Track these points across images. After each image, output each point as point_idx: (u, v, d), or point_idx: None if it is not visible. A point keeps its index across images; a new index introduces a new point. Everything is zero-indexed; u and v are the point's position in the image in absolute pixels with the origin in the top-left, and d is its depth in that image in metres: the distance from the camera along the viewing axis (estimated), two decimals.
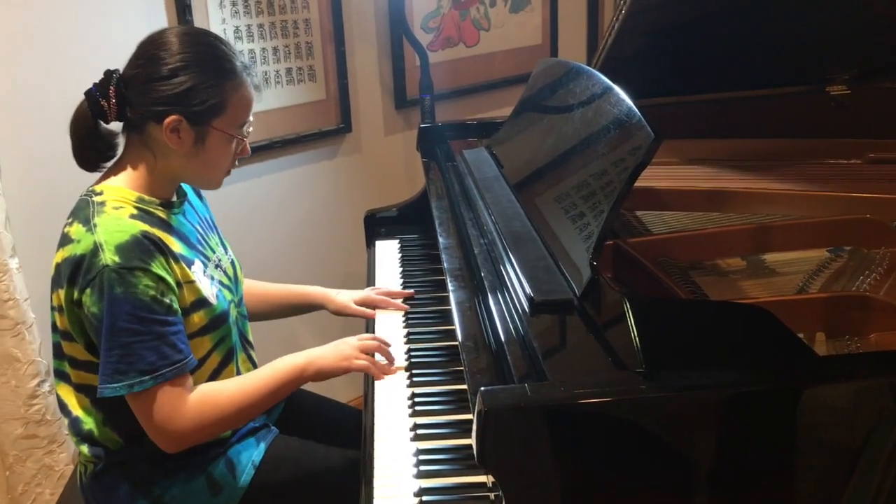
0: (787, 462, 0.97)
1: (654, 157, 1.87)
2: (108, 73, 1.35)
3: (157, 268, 1.29)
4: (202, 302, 1.38)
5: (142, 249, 1.28)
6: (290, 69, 2.43)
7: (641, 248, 1.47)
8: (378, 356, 1.51)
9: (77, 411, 1.40)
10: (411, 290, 1.81)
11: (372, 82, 2.68)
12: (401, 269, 1.99)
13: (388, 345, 1.54)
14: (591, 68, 1.61)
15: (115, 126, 1.40)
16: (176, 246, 1.37)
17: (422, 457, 1.28)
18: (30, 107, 1.94)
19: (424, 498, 1.19)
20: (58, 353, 1.40)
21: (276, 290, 1.81)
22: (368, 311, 1.76)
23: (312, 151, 2.57)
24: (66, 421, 1.43)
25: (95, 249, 1.27)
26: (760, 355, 0.98)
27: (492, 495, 1.17)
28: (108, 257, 1.26)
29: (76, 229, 1.31)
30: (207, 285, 1.41)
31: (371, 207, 2.21)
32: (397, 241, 2.15)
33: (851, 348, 1.23)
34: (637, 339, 0.97)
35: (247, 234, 2.43)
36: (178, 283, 1.33)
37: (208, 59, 1.33)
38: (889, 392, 0.96)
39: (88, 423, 1.40)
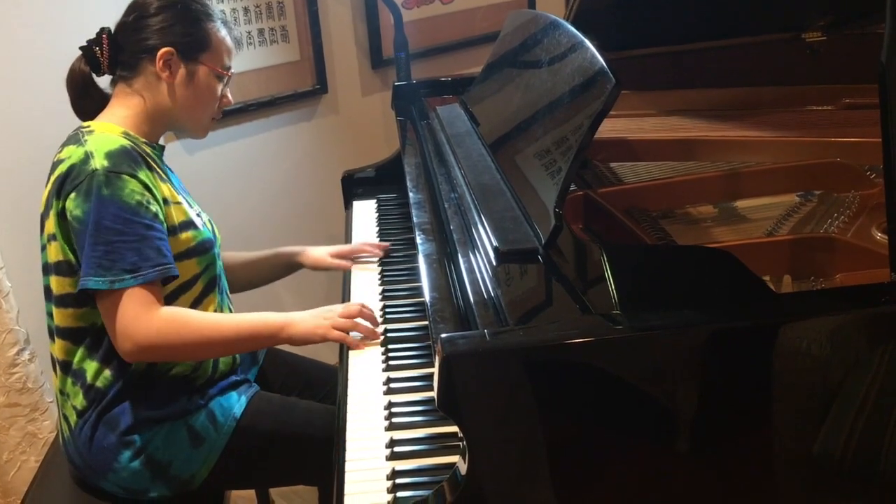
0: (757, 404, 0.97)
1: (630, 109, 1.93)
2: (101, 29, 1.47)
3: (144, 177, 1.37)
4: (190, 223, 1.44)
5: (131, 158, 1.37)
6: (262, 30, 2.39)
7: (611, 197, 1.47)
8: (362, 320, 1.48)
9: (79, 363, 1.42)
10: (387, 243, 1.83)
11: (347, 42, 2.64)
12: (378, 228, 1.99)
13: (376, 322, 1.51)
14: (560, 19, 1.59)
15: (106, 86, 1.51)
16: (163, 175, 1.45)
17: (394, 409, 1.29)
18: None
19: (396, 449, 1.20)
20: (59, 301, 1.41)
21: (255, 255, 1.84)
22: (344, 262, 1.78)
23: (288, 114, 2.54)
24: (67, 380, 1.44)
25: (86, 157, 1.34)
26: (719, 297, 0.98)
27: (461, 444, 1.17)
28: (98, 162, 1.33)
29: (67, 150, 1.39)
30: (194, 213, 1.48)
31: (349, 168, 2.20)
32: (375, 200, 2.15)
33: (816, 289, 1.23)
34: (612, 283, 0.97)
35: (223, 197, 2.42)
36: (166, 201, 1.41)
37: (188, 4, 1.47)
38: (857, 329, 0.97)
39: (90, 369, 1.42)
